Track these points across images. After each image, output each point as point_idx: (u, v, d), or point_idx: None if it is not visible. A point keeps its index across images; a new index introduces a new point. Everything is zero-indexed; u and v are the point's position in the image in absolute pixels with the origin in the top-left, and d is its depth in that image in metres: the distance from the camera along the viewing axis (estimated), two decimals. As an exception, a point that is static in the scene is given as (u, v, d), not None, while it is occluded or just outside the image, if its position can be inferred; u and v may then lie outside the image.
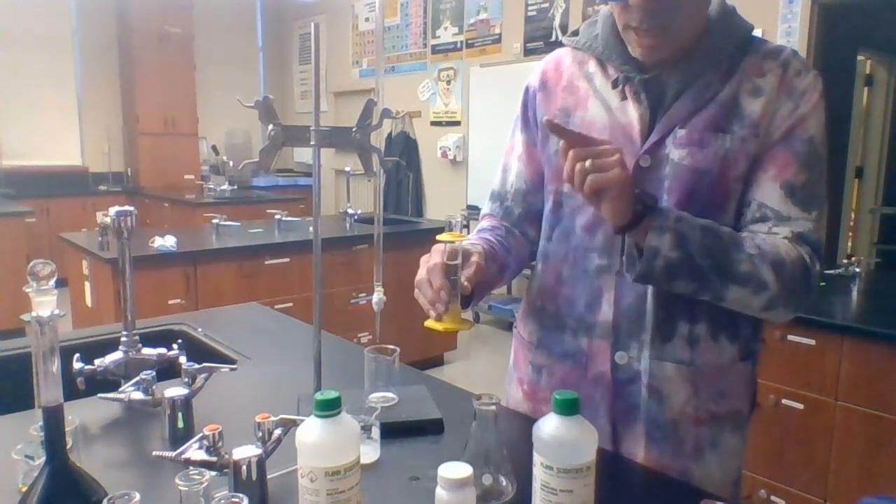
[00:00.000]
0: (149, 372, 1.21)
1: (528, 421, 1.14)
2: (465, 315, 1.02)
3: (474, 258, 1.01)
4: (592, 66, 1.11)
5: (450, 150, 5.96)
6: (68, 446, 0.83)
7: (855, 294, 2.50)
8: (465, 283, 0.99)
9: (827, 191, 1.03)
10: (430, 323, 0.98)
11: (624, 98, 1.05)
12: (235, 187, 6.28)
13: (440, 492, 0.77)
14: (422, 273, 1.01)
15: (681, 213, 0.96)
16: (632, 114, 1.04)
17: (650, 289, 1.04)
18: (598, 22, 1.11)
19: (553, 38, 5.10)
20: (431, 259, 1.00)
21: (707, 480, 1.06)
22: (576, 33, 1.15)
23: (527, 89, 1.21)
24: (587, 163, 0.87)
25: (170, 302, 3.15)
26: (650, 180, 1.02)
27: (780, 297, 0.96)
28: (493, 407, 0.87)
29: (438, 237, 1.01)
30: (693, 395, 1.05)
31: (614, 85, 1.06)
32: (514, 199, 1.24)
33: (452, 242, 0.99)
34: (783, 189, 0.98)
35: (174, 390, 1.13)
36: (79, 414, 1.04)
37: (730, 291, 0.95)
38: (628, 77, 1.04)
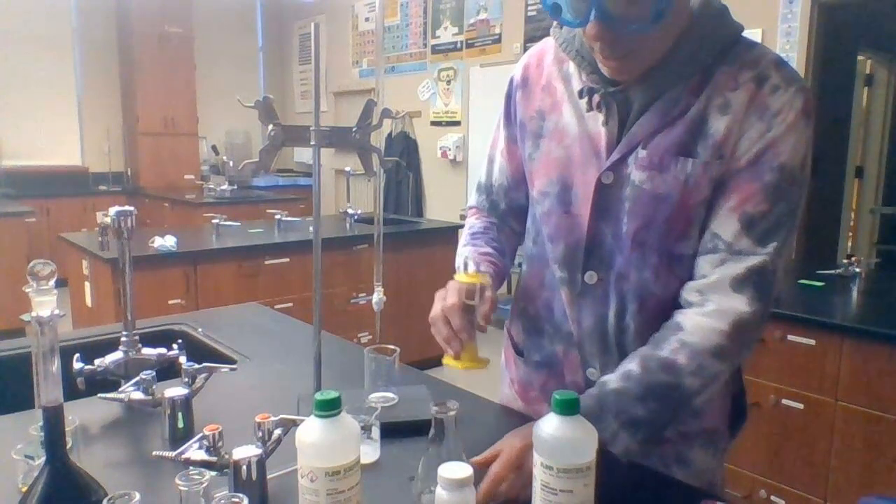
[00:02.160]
0: (149, 372, 1.21)
1: (521, 419, 1.14)
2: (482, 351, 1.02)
3: (488, 293, 0.98)
4: (571, 66, 1.04)
5: (450, 150, 5.96)
6: (68, 446, 0.83)
7: (855, 294, 2.50)
8: (482, 323, 0.97)
9: (799, 214, 0.94)
10: (448, 360, 0.97)
11: (590, 108, 1.00)
12: (235, 187, 6.28)
13: (440, 492, 0.77)
14: (437, 310, 0.98)
15: (615, 400, 0.91)
16: (599, 127, 0.99)
17: (611, 312, 1.02)
18: None
19: (553, 38, 5.11)
20: (448, 298, 0.97)
21: None
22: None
23: (511, 81, 1.17)
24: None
25: (170, 302, 3.15)
26: (612, 199, 0.98)
27: (734, 362, 0.96)
28: (452, 413, 0.87)
29: (457, 276, 1.00)
30: None
31: (580, 93, 1.00)
32: (497, 193, 1.22)
33: (473, 284, 0.97)
34: (741, 222, 0.91)
35: (174, 390, 1.13)
36: (79, 414, 1.04)
37: (697, 401, 0.96)
38: (592, 89, 0.98)
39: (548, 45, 1.12)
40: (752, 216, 0.91)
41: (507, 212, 1.23)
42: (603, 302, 1.03)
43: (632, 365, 0.94)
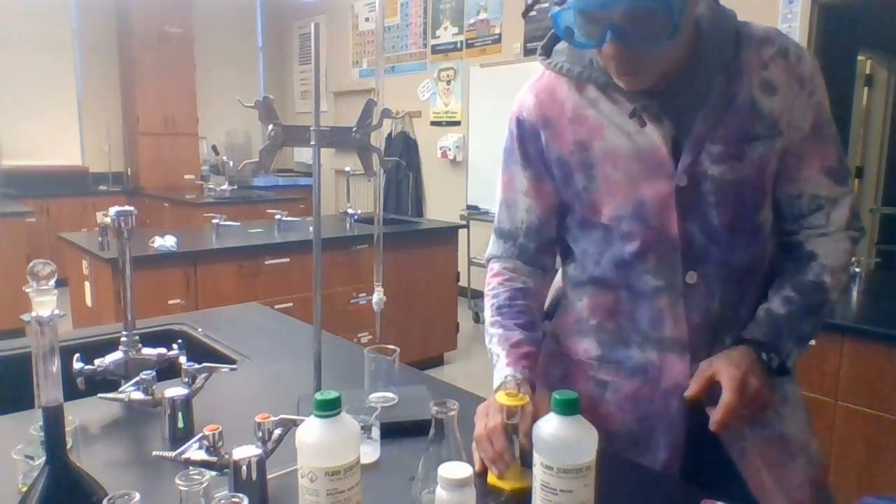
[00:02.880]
0: (149, 372, 1.21)
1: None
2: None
3: (528, 408, 0.98)
4: (593, 91, 1.06)
5: (450, 150, 5.96)
6: (68, 446, 0.83)
7: (855, 294, 2.50)
8: (524, 441, 0.96)
9: None
10: (493, 481, 0.98)
11: (643, 124, 1.02)
12: (235, 187, 6.28)
13: (440, 492, 0.77)
14: (480, 429, 0.99)
15: (787, 322, 1.04)
16: (654, 136, 1.02)
17: (716, 303, 1.08)
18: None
19: (553, 38, 5.10)
20: (490, 419, 0.98)
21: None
22: (548, 52, 1.09)
23: (520, 122, 1.13)
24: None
25: (170, 302, 3.15)
26: (693, 199, 1.03)
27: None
28: (452, 413, 0.87)
29: (498, 397, 0.99)
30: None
31: (631, 115, 1.02)
32: (527, 235, 1.18)
33: (514, 408, 0.97)
34: (828, 176, 1.06)
35: (174, 390, 1.13)
36: (79, 414, 1.04)
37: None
38: (645, 106, 1.01)
39: (551, 81, 1.11)
40: (832, 168, 1.06)
41: (539, 250, 1.20)
42: (708, 295, 1.07)
43: (787, 292, 1.06)
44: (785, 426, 1.10)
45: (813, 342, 1.18)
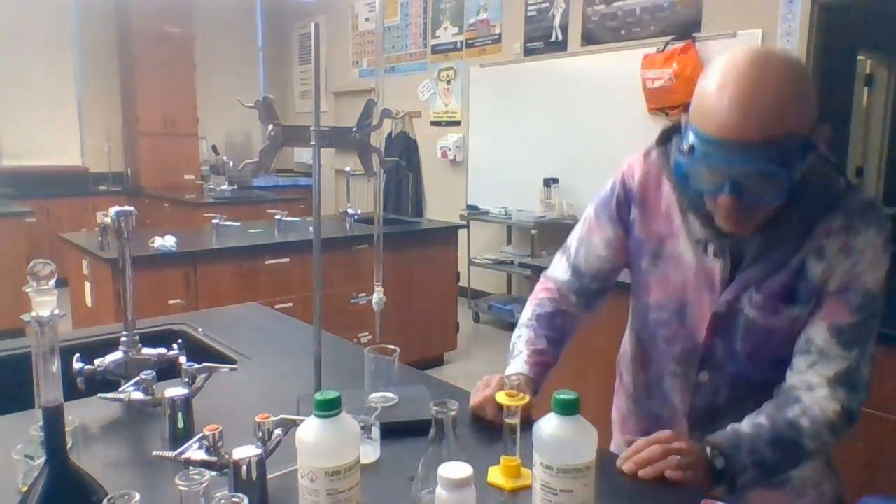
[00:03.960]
0: (149, 372, 1.21)
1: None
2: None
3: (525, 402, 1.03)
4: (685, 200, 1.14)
5: (450, 150, 5.96)
6: (68, 446, 0.83)
7: (855, 294, 2.50)
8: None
9: (878, 321, 1.08)
10: (493, 481, 0.99)
11: (705, 251, 1.11)
12: (235, 187, 6.27)
13: (440, 492, 0.77)
14: (477, 399, 1.16)
15: (749, 440, 1.02)
16: (714, 264, 1.10)
17: (721, 401, 1.15)
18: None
19: (553, 38, 5.11)
20: (490, 389, 1.14)
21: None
22: (667, 138, 1.14)
23: (625, 184, 1.21)
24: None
25: (170, 302, 3.15)
26: (726, 325, 1.11)
27: (835, 441, 1.08)
28: (452, 413, 0.87)
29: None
30: None
31: (697, 241, 1.11)
32: (595, 277, 1.27)
33: (514, 408, 0.99)
34: (830, 331, 1.05)
35: (174, 390, 1.13)
36: (79, 414, 1.04)
37: (805, 463, 1.09)
38: (710, 240, 1.09)
39: (661, 169, 1.17)
40: (839, 326, 1.04)
41: (597, 293, 1.29)
42: (715, 393, 1.16)
43: (760, 419, 1.05)
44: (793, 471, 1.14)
45: (781, 478, 1.13)
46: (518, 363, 1.20)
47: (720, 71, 0.94)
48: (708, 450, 1.01)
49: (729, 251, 1.08)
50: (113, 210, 1.28)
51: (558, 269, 1.31)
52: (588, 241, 1.26)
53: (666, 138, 1.15)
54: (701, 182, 0.98)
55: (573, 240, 1.30)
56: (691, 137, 0.96)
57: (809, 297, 1.05)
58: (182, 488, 0.74)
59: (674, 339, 1.18)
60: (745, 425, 1.05)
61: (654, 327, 1.21)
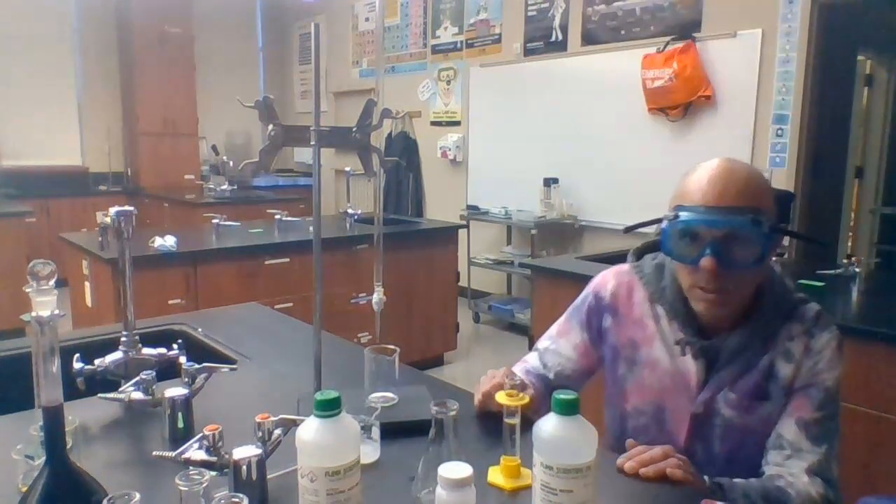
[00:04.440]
0: (149, 372, 1.21)
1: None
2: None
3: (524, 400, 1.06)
4: (660, 309, 1.24)
5: (450, 150, 5.96)
6: (68, 446, 0.83)
7: (855, 294, 2.50)
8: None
9: (839, 424, 1.17)
10: (493, 481, 1.00)
11: (683, 354, 1.20)
12: (235, 187, 6.27)
13: (440, 492, 0.77)
14: (485, 387, 1.19)
15: (743, 485, 1.09)
16: (690, 366, 1.20)
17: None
18: (665, 270, 1.24)
19: (553, 38, 5.11)
20: (496, 379, 1.17)
21: None
22: (638, 256, 1.30)
23: (596, 297, 1.33)
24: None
25: (170, 302, 3.15)
26: (704, 426, 1.20)
27: None
28: (452, 413, 0.87)
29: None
30: None
31: (676, 342, 1.20)
32: (555, 376, 1.36)
33: (514, 408, 0.99)
34: (798, 425, 1.14)
35: (174, 390, 1.13)
36: (79, 414, 1.04)
37: None
38: (689, 342, 1.19)
39: (634, 281, 1.29)
40: (806, 421, 1.14)
41: (558, 387, 1.31)
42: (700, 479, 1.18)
43: (749, 482, 1.11)
44: None
45: None
46: (522, 370, 1.33)
47: (699, 167, 1.12)
48: (706, 478, 1.08)
49: (704, 355, 1.18)
50: (113, 210, 1.28)
51: (532, 353, 1.42)
52: (557, 340, 1.39)
53: (639, 255, 1.30)
54: (684, 253, 1.11)
55: (546, 336, 1.41)
56: (676, 216, 1.10)
57: (780, 396, 1.15)
58: (182, 488, 0.74)
59: (653, 443, 1.17)
60: (737, 480, 1.11)
61: (632, 434, 1.25)
